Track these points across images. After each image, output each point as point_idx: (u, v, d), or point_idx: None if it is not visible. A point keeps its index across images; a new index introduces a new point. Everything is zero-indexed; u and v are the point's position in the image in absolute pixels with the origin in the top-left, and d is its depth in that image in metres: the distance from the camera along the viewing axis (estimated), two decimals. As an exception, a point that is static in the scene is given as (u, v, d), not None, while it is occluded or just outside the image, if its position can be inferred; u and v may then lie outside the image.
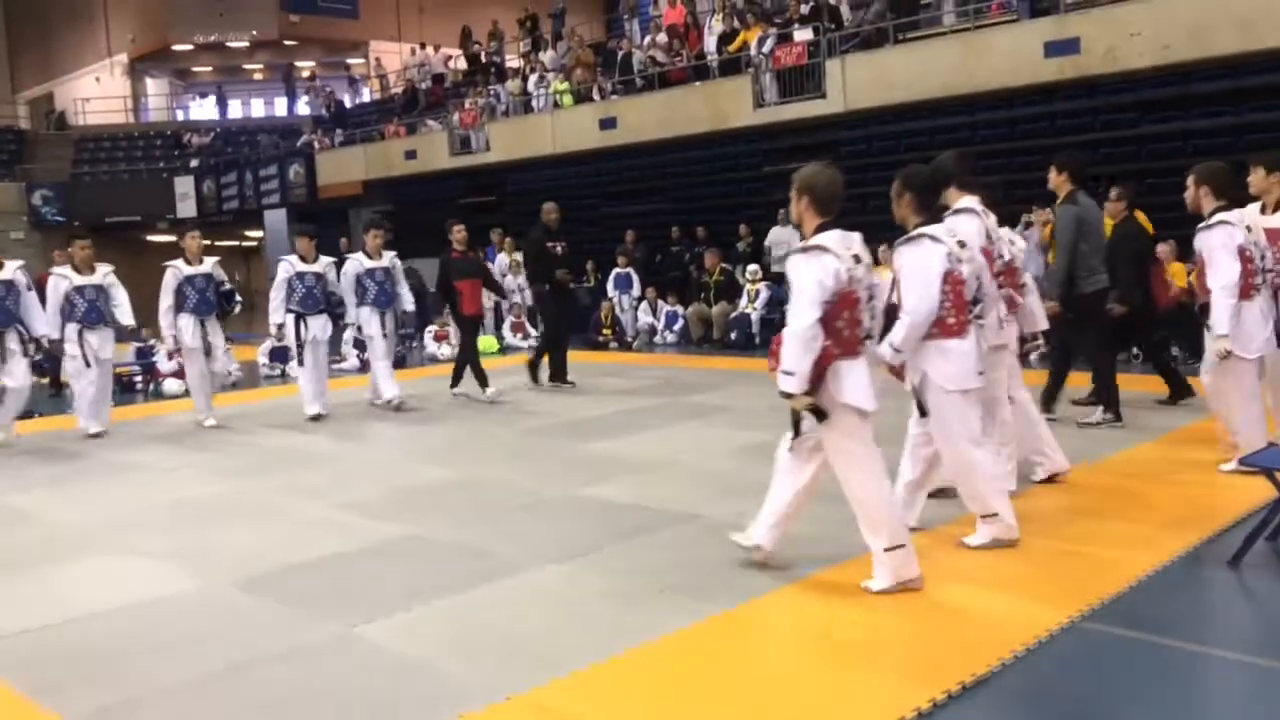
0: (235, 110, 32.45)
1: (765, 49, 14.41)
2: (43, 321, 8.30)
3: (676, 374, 10.88)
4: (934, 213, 4.66)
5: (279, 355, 13.29)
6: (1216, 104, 11.17)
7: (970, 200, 5.19)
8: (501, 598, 4.27)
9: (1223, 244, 5.42)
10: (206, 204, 24.71)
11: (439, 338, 13.77)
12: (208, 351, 8.68)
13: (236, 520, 5.68)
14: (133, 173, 27.24)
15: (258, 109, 32.66)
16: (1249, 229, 5.54)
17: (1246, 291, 5.44)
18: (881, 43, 13.43)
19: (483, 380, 9.43)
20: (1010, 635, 3.60)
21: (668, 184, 16.26)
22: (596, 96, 17.10)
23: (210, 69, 31.79)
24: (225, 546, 5.16)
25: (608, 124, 16.43)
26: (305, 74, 30.52)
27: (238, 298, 9.08)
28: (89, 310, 8.42)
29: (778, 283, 13.86)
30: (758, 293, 13.35)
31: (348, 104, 27.24)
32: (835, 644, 3.63)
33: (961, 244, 4.58)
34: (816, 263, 3.96)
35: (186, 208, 24.93)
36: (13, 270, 8.26)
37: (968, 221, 4.99)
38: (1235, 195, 5.70)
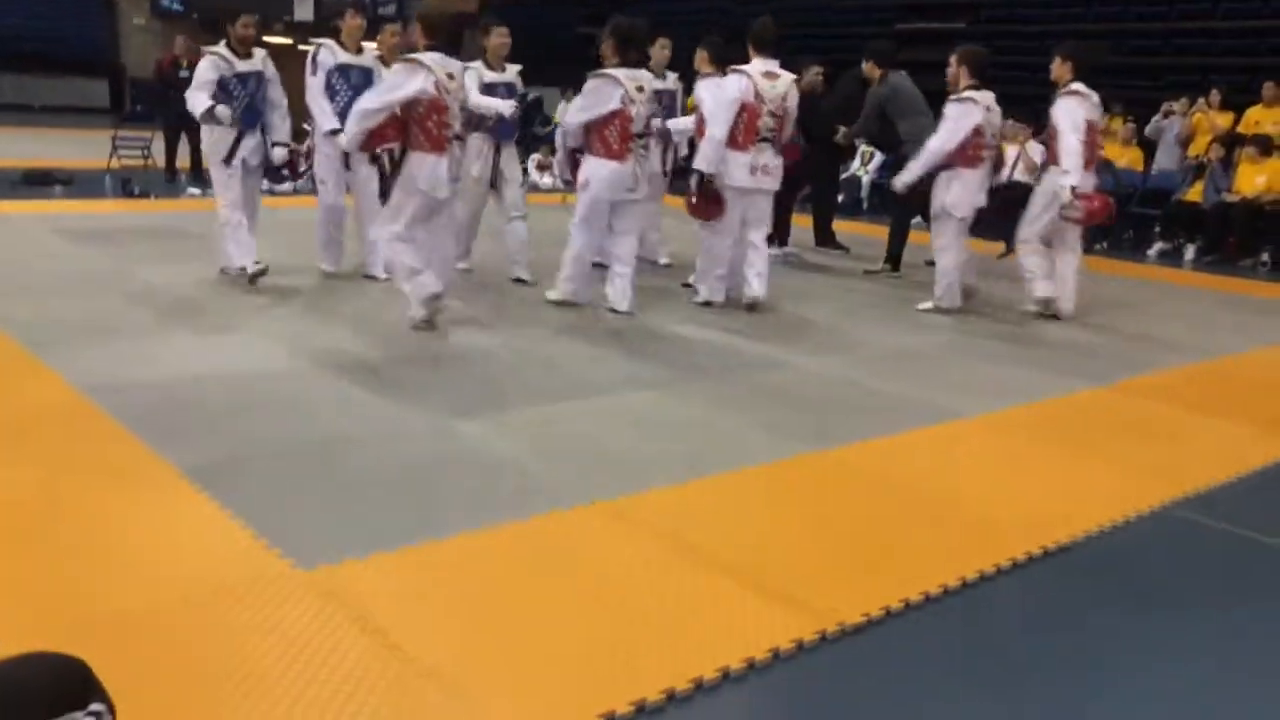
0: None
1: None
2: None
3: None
4: (643, 57, 6.13)
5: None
6: None
7: (760, 63, 6.29)
8: (591, 412, 4.35)
9: (958, 116, 6.51)
10: (324, 8, 24.57)
11: (541, 167, 13.65)
12: (493, 183, 6.90)
13: (346, 312, 5.85)
14: (254, -31, 27.10)
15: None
16: (989, 109, 6.56)
17: (972, 161, 6.48)
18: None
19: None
20: (1097, 511, 3.56)
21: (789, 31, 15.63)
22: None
23: None
24: (334, 334, 5.33)
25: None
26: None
27: (551, 118, 7.80)
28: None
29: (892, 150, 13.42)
30: (871, 155, 12.95)
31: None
32: (919, 497, 3.63)
33: (640, 88, 5.88)
34: (411, 73, 5.20)
35: (304, 11, 24.82)
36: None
37: (734, 80, 6.23)
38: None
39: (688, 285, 6.90)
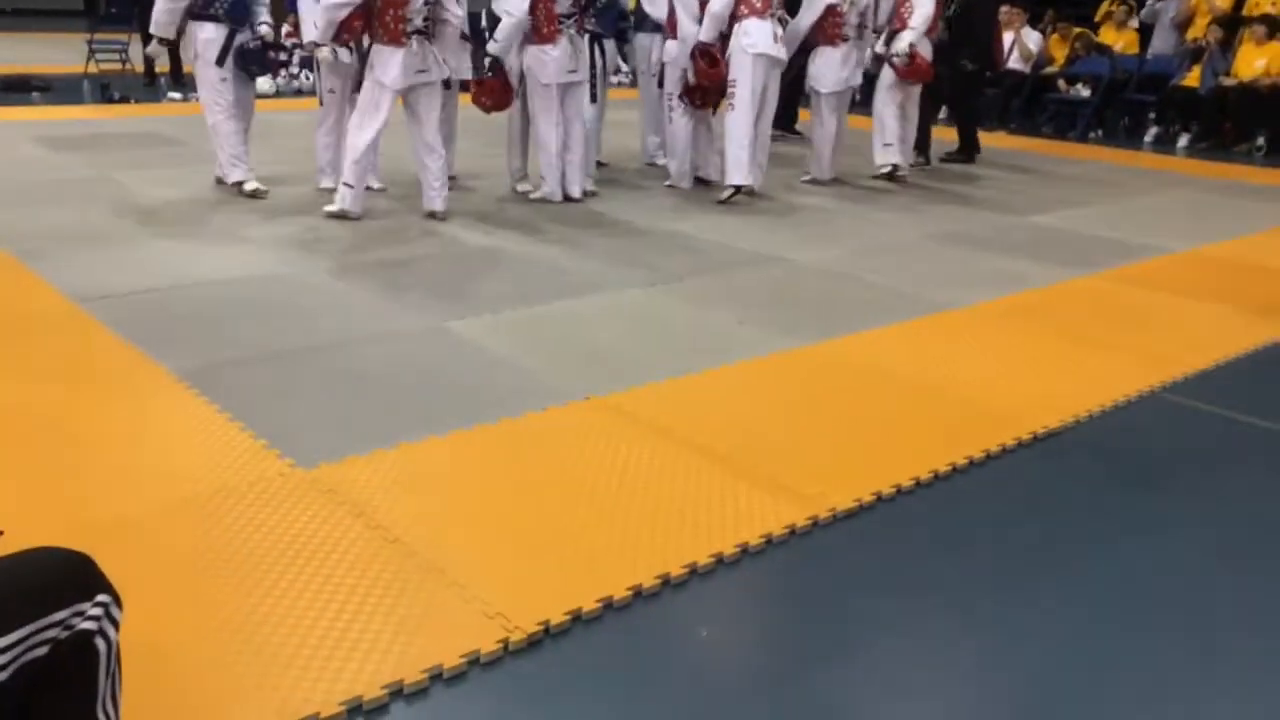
0: None
1: None
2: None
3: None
4: None
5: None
6: None
7: None
8: (584, 311, 4.36)
9: None
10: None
11: None
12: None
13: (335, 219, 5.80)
14: None
15: None
16: None
17: (832, 39, 6.84)
18: None
19: None
20: (1087, 396, 3.60)
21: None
22: None
23: None
24: (324, 240, 5.30)
25: None
26: None
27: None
28: None
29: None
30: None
31: None
32: (910, 386, 3.66)
33: None
34: None
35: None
36: None
37: None
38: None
39: (671, 186, 6.94)
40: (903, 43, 6.94)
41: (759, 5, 6.25)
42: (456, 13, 5.61)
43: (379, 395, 3.37)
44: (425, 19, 5.46)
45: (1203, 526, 2.82)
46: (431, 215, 5.77)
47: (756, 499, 2.76)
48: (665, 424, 3.22)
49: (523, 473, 2.88)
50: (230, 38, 5.86)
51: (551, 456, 2.98)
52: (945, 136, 8.97)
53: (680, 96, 6.68)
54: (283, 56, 6.09)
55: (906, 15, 7.01)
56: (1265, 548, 2.71)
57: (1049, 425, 3.36)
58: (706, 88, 6.52)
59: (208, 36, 5.83)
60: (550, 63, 6.02)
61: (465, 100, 6.62)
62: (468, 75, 6.56)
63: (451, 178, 6.86)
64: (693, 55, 6.43)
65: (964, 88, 8.69)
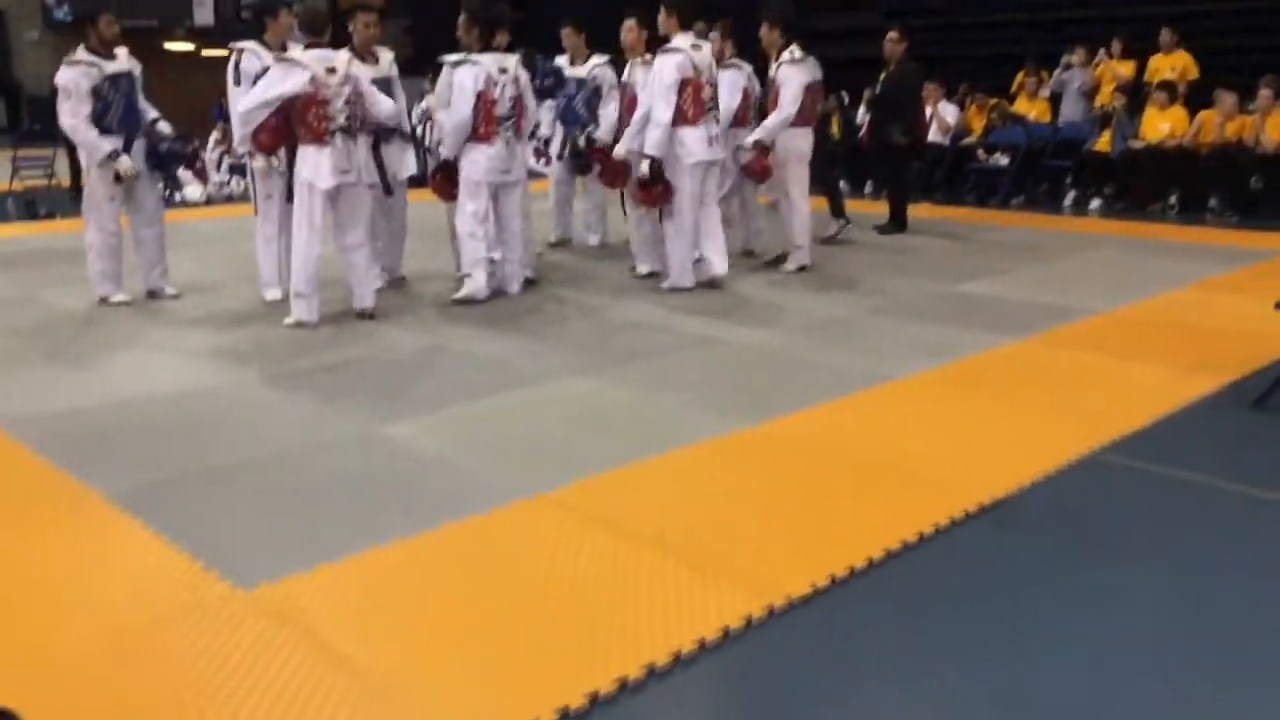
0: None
1: None
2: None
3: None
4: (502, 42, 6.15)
5: None
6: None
7: (681, 38, 6.24)
8: (525, 405, 4.32)
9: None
10: (224, 11, 23.94)
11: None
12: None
13: (267, 322, 5.74)
14: (147, -25, 26.28)
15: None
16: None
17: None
18: None
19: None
20: (1030, 463, 3.63)
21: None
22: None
23: None
24: (253, 350, 5.22)
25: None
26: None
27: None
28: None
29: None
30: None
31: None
32: (857, 461, 3.68)
33: (503, 69, 6.00)
34: (288, 72, 5.40)
35: (204, 15, 24.13)
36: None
37: (672, 59, 6.16)
38: None
39: (651, 274, 6.82)
40: (749, 140, 6.89)
41: (690, 114, 6.20)
42: (374, 113, 5.68)
43: (318, 507, 3.29)
44: (347, 117, 5.47)
45: (1155, 589, 2.84)
46: (363, 314, 5.72)
47: (711, 590, 2.73)
48: (613, 517, 3.18)
49: (470, 579, 2.82)
50: (126, 149, 5.85)
51: (498, 560, 2.92)
52: (871, 210, 9.18)
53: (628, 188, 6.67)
54: (189, 148, 6.43)
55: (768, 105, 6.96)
56: (1219, 608, 2.73)
57: (995, 494, 3.38)
58: (657, 193, 6.33)
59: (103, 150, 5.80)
60: (483, 160, 6.01)
61: (414, 198, 6.65)
62: (412, 173, 6.59)
63: (400, 278, 6.80)
64: (640, 183, 6.33)
65: (894, 160, 8.95)
